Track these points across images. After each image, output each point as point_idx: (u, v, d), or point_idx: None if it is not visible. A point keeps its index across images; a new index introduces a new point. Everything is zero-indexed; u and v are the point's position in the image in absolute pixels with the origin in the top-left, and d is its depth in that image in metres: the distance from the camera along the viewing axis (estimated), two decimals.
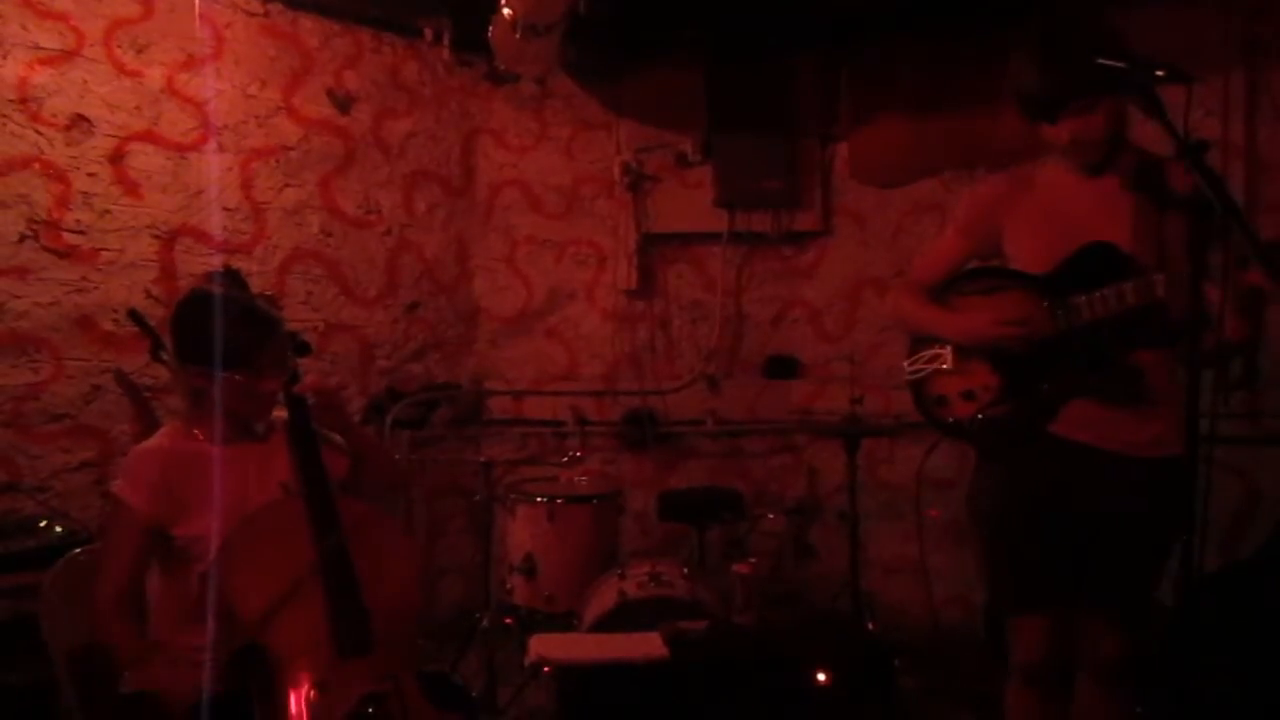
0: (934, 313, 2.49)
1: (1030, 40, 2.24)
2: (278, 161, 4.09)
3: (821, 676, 2.73)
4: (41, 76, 3.40)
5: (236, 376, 2.15)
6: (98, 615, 2.06)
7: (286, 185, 4.12)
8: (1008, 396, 2.35)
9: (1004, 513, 2.39)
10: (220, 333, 2.09)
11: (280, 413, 2.32)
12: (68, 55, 3.46)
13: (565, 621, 3.48)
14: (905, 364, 2.54)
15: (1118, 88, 2.11)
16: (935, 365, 2.46)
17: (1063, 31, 2.21)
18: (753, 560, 3.16)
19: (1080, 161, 2.27)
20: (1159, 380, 2.22)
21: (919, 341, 2.52)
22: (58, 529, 3.00)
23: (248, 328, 2.16)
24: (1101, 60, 1.98)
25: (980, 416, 2.38)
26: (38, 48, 3.40)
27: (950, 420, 2.44)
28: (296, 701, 1.94)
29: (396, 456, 4.03)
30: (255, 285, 2.34)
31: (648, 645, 2.72)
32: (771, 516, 4.49)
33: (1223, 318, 1.87)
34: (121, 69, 3.60)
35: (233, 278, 2.27)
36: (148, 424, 3.24)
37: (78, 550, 2.34)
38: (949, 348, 2.45)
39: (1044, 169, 2.38)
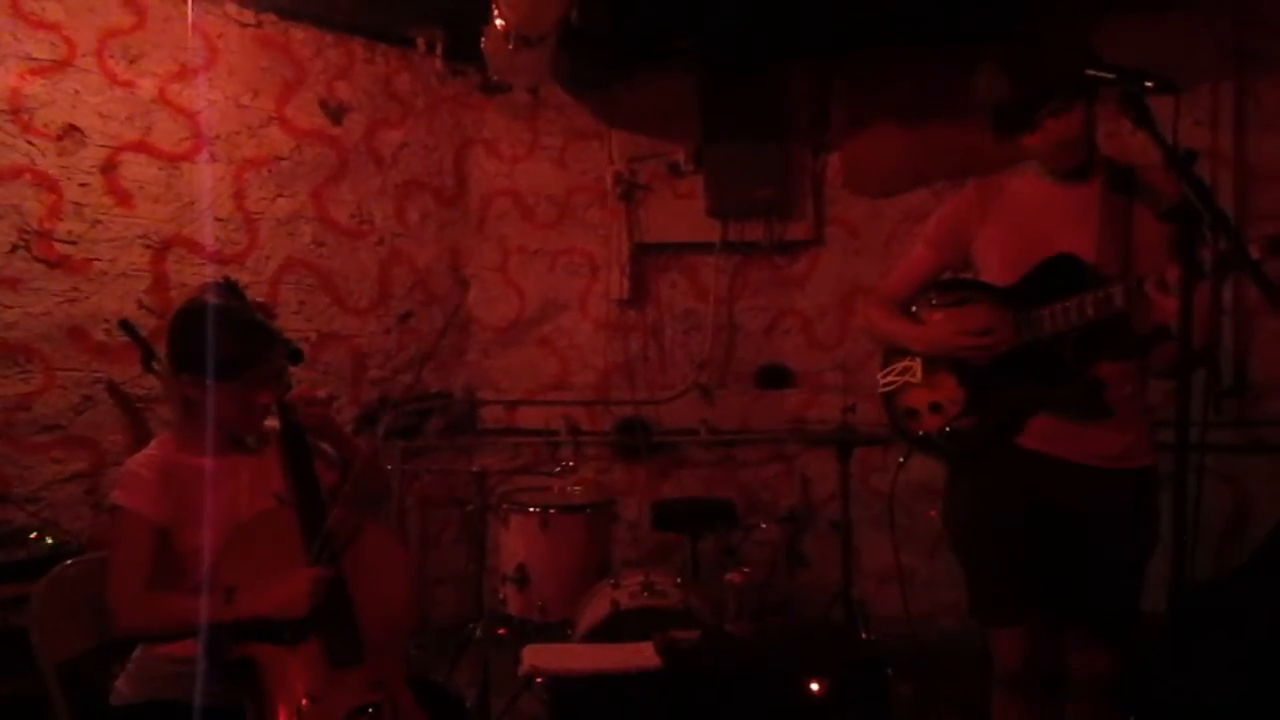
0: (900, 325, 2.49)
1: (997, 54, 2.26)
2: (270, 171, 4.09)
3: (815, 686, 2.73)
4: (33, 86, 3.40)
5: (231, 388, 2.14)
6: (119, 607, 2.00)
7: (279, 195, 4.12)
8: (973, 409, 2.35)
9: (976, 526, 2.39)
10: (216, 343, 2.08)
11: (272, 423, 2.31)
12: (60, 65, 3.46)
13: (558, 631, 3.47)
14: (878, 376, 2.55)
15: (1088, 91, 2.13)
16: (906, 378, 2.47)
17: (1030, 44, 2.26)
18: (746, 569, 3.15)
19: (1062, 164, 2.27)
20: (1125, 392, 2.23)
21: (891, 354, 2.53)
22: (48, 540, 2.99)
23: (245, 339, 2.15)
24: (1091, 71, 2.00)
25: (948, 429, 2.38)
26: (29, 58, 3.39)
27: (920, 433, 2.45)
28: (289, 712, 1.93)
29: (389, 467, 4.01)
30: (248, 295, 2.34)
31: (641, 655, 2.71)
32: (764, 525, 4.48)
33: (1187, 327, 1.87)
34: (114, 79, 3.60)
35: (230, 289, 2.26)
36: (139, 435, 3.24)
37: (68, 562, 2.32)
38: (918, 360, 2.45)
39: (1014, 179, 2.38)
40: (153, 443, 2.26)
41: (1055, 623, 2.32)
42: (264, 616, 1.97)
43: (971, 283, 2.44)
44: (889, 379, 2.51)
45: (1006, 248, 2.33)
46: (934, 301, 2.47)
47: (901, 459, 3.74)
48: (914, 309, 2.51)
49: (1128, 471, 2.22)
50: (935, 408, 2.41)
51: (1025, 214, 2.32)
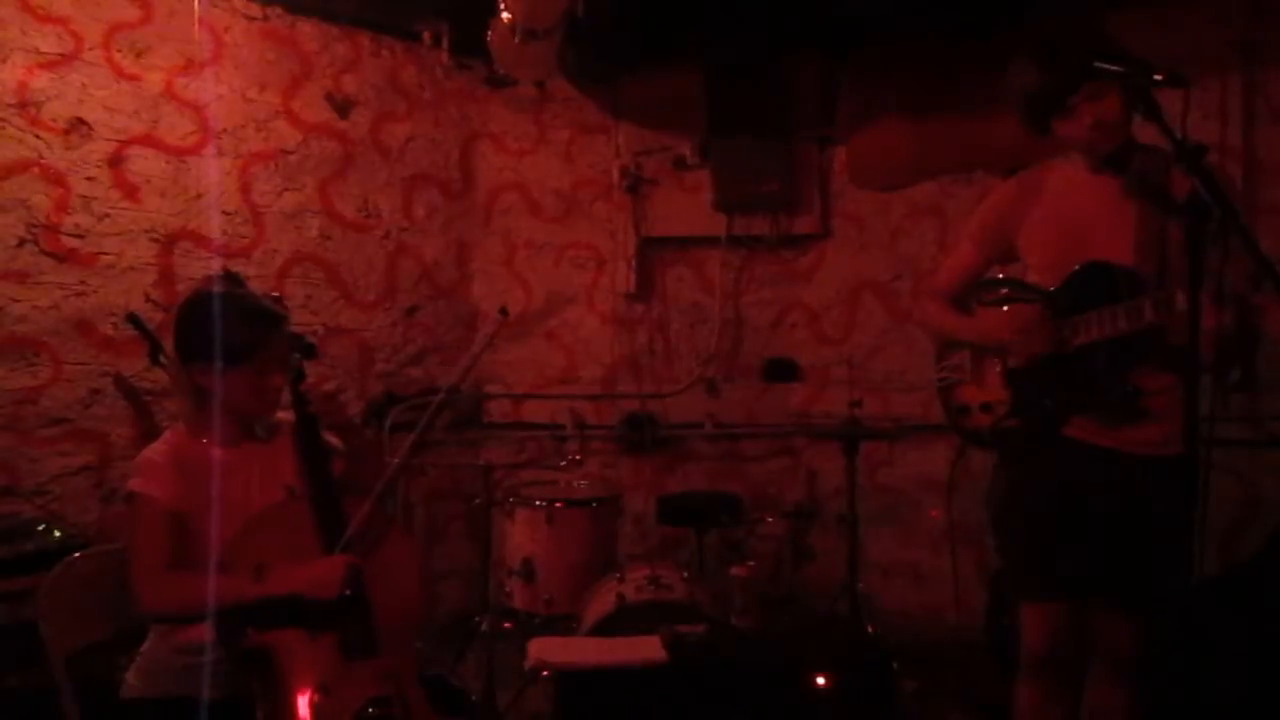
0: (952, 317, 2.56)
1: (1027, 45, 2.26)
2: (277, 165, 4.09)
3: (821, 679, 2.74)
4: (41, 80, 3.40)
5: (243, 372, 2.16)
6: (144, 588, 2.01)
7: (286, 189, 4.13)
8: (1017, 411, 2.40)
9: (1019, 504, 2.43)
10: (223, 329, 2.10)
11: (282, 415, 2.33)
12: (67, 59, 3.46)
13: (564, 625, 3.48)
14: (935, 368, 2.63)
15: (1090, 74, 2.11)
16: (957, 374, 2.55)
17: (1059, 31, 2.25)
18: (752, 563, 3.16)
19: (1102, 149, 2.25)
20: (1162, 393, 2.22)
21: (945, 349, 2.60)
22: (56, 533, 2.99)
23: (251, 323, 2.17)
24: (1099, 64, 1.99)
25: (997, 429, 2.44)
26: (37, 52, 3.40)
27: (971, 429, 2.53)
28: (301, 703, 1.94)
29: (395, 460, 4.02)
30: (256, 288, 2.35)
31: (647, 649, 2.72)
32: (770, 520, 4.48)
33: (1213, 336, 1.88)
34: (120, 73, 3.60)
35: (232, 279, 2.28)
36: (147, 428, 3.25)
37: (77, 554, 2.33)
38: (967, 358, 2.52)
39: (1053, 172, 2.39)
40: (164, 434, 2.27)
41: (1084, 605, 2.34)
42: (295, 595, 1.99)
43: (1017, 282, 2.48)
44: (944, 374, 2.59)
45: (1047, 246, 2.36)
46: (984, 298, 2.53)
47: (959, 451, 3.77)
48: (967, 305, 2.57)
49: (1168, 458, 2.22)
50: (985, 407, 2.47)
51: (1065, 209, 2.34)
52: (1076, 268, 2.27)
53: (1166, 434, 2.22)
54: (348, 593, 2.04)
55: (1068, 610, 2.35)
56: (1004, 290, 2.49)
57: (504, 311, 3.33)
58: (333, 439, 2.37)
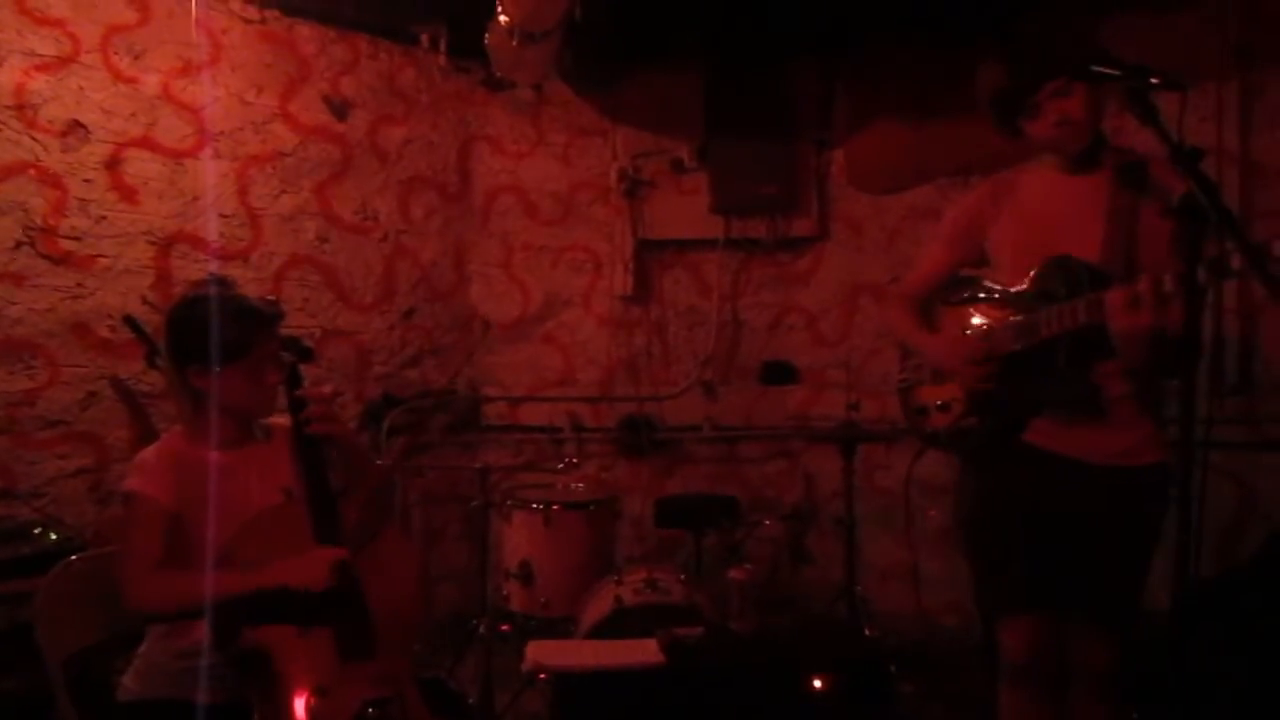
0: (913, 330, 2.55)
1: (995, 49, 2.28)
2: (274, 168, 4.09)
3: (818, 682, 2.74)
4: (38, 83, 3.40)
5: (239, 370, 2.15)
6: (131, 585, 2.01)
7: (283, 192, 4.13)
8: (976, 409, 2.38)
9: (984, 517, 2.42)
10: (219, 329, 2.10)
11: (279, 420, 2.32)
12: (64, 61, 3.46)
13: (561, 628, 3.48)
14: (899, 369, 2.61)
15: (1089, 76, 2.10)
16: (918, 375, 2.54)
17: (1025, 34, 2.28)
18: (749, 566, 3.16)
19: (1068, 149, 2.26)
20: (1124, 393, 2.22)
21: (909, 350, 2.60)
22: (53, 536, 2.99)
23: (242, 320, 2.17)
24: (1096, 67, 1.99)
25: (954, 428, 2.42)
26: (34, 54, 3.40)
27: (929, 430, 2.51)
28: (298, 706, 1.94)
29: (385, 463, 4.02)
30: (252, 291, 2.35)
31: (644, 651, 2.72)
32: (768, 522, 4.48)
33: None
34: (118, 75, 3.60)
35: (221, 282, 2.28)
36: (144, 430, 3.25)
37: (73, 557, 2.33)
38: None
39: (1025, 174, 2.39)
40: (162, 438, 2.27)
41: (1059, 615, 2.32)
42: (282, 585, 1.99)
43: (979, 282, 2.46)
44: (904, 375, 2.58)
45: (1016, 245, 2.35)
46: (951, 299, 2.52)
47: (917, 454, 3.77)
48: (933, 306, 2.56)
49: (1131, 469, 2.22)
50: (943, 407, 2.45)
51: (1035, 209, 2.33)
52: (1043, 261, 2.25)
53: (1130, 442, 2.22)
54: (334, 584, 2.03)
55: (1044, 622, 2.33)
56: (969, 291, 2.47)
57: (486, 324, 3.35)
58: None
